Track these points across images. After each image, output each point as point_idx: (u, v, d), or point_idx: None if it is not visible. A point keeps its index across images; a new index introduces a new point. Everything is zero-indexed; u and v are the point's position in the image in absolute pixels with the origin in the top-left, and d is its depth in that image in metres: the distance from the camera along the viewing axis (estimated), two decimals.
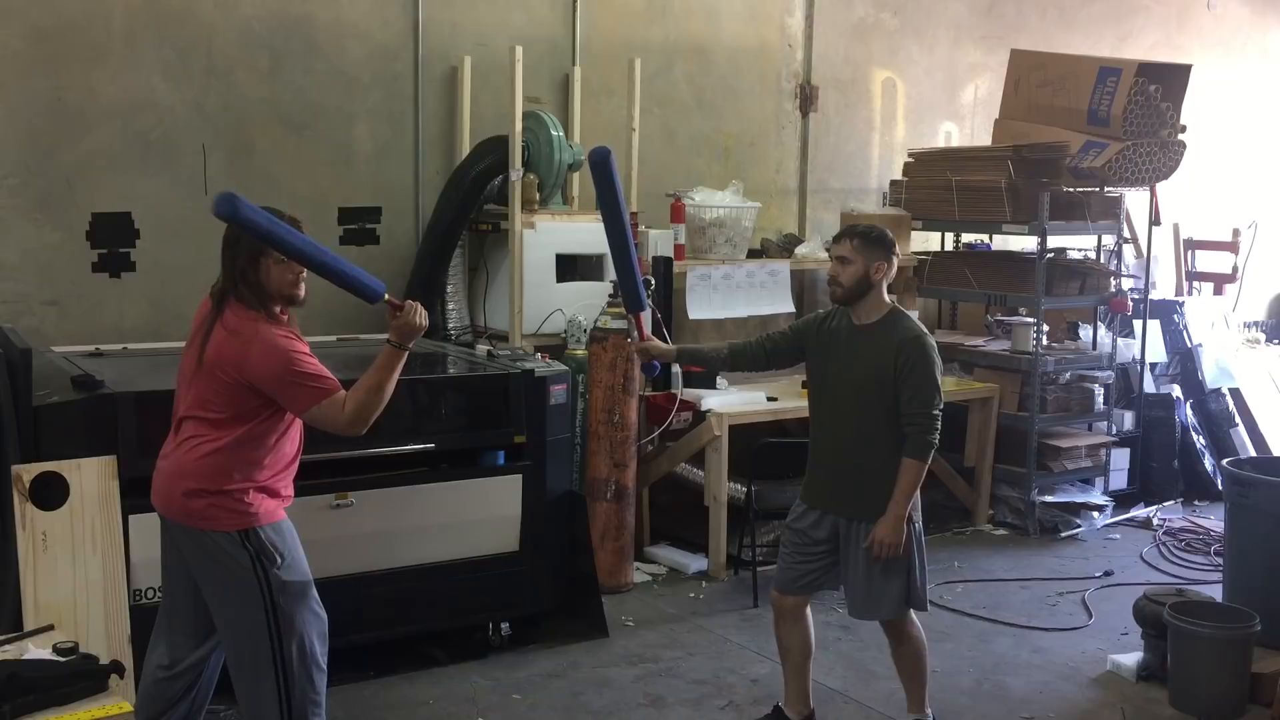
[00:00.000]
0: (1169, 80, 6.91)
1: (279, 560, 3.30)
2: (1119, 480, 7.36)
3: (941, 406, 3.93)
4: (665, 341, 5.25)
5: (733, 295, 6.39)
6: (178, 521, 3.34)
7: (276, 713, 3.33)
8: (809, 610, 4.15)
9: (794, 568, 4.10)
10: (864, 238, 3.97)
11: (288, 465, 3.43)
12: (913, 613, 4.07)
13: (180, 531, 3.35)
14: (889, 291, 4.07)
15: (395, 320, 3.35)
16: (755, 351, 4.28)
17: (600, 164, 4.03)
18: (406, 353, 3.37)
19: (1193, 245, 9.04)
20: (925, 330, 4.01)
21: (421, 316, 3.36)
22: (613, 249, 4.18)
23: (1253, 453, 7.60)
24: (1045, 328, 6.90)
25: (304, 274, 3.36)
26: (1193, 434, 7.73)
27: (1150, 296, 7.73)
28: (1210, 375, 7.99)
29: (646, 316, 4.38)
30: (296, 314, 3.47)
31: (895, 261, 4.01)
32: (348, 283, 3.32)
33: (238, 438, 3.27)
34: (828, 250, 6.79)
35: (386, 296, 3.38)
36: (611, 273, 5.92)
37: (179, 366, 3.44)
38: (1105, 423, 7.25)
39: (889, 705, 4.45)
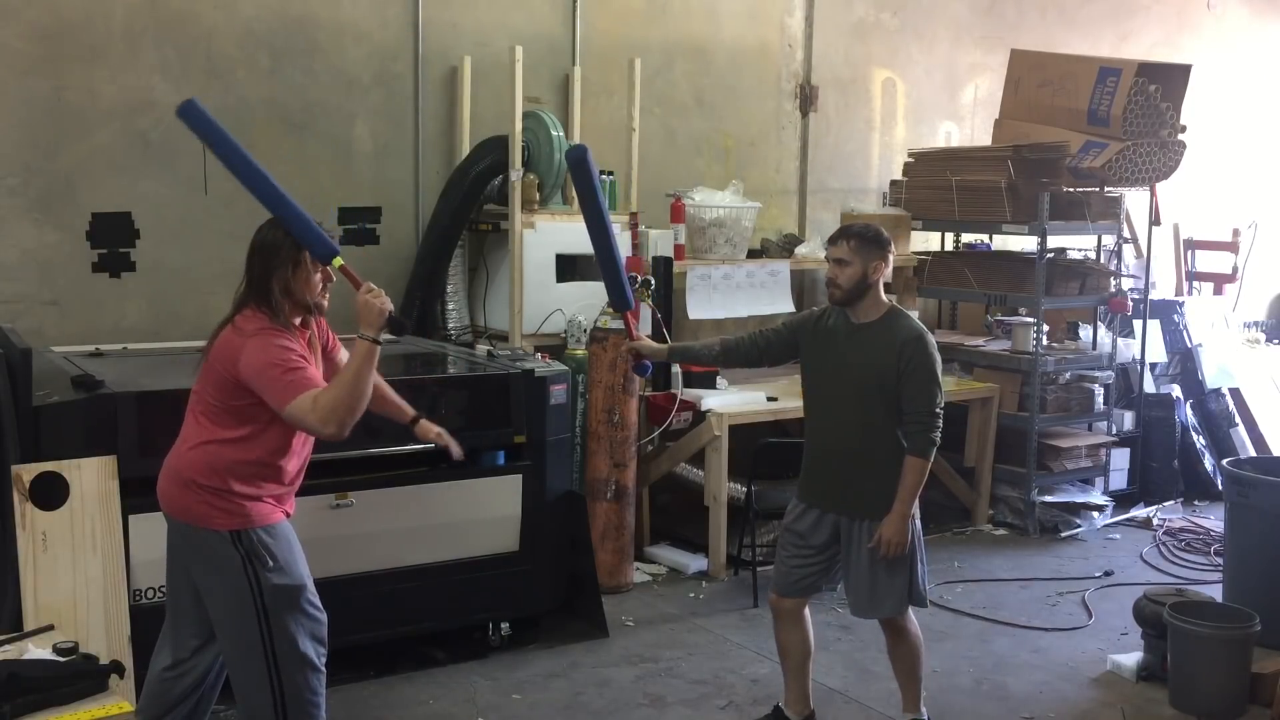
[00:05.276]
0: (1169, 80, 6.91)
1: (270, 563, 3.30)
2: (1119, 480, 7.36)
3: (943, 405, 3.93)
4: (665, 340, 5.26)
5: (733, 295, 6.38)
6: (175, 517, 3.35)
7: (271, 713, 3.33)
8: (807, 611, 4.16)
9: (792, 570, 4.10)
10: (860, 238, 3.97)
11: (290, 482, 3.43)
12: (911, 610, 4.07)
13: (176, 527, 3.37)
14: (887, 290, 4.07)
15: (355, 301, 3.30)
16: (748, 348, 4.27)
17: (578, 162, 4.00)
18: (377, 346, 3.24)
19: (1193, 245, 9.04)
20: (925, 329, 4.02)
21: (377, 298, 3.26)
22: (596, 248, 4.15)
23: (1253, 453, 7.60)
24: (1045, 328, 6.90)
25: (331, 282, 3.38)
26: (1193, 434, 7.73)
27: (1150, 296, 7.73)
28: (1210, 375, 7.99)
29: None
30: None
31: (891, 259, 4.02)
32: (296, 226, 3.29)
33: (233, 438, 3.27)
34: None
35: (342, 262, 3.33)
36: None
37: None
38: (1105, 423, 7.25)
39: (889, 705, 4.45)
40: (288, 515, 3.43)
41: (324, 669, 3.43)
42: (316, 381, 3.25)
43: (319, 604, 3.42)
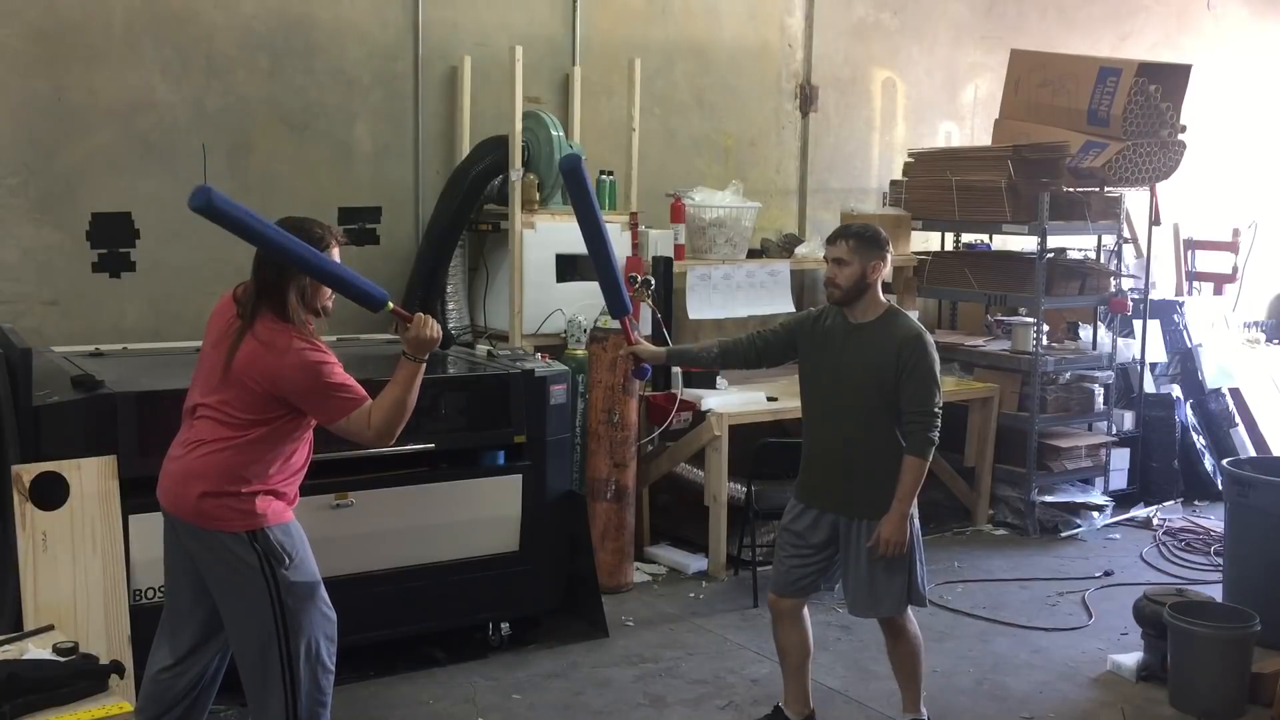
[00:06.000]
0: (1169, 80, 6.91)
1: (287, 560, 3.31)
2: (1119, 480, 7.36)
3: (941, 404, 3.94)
4: (665, 342, 5.26)
5: (733, 295, 6.38)
6: (186, 521, 3.34)
7: (282, 712, 3.33)
8: (806, 611, 4.16)
9: (791, 570, 4.10)
10: (859, 238, 3.98)
11: (297, 472, 3.44)
12: (910, 610, 4.08)
13: (188, 531, 3.35)
14: (887, 290, 4.07)
15: (405, 333, 3.36)
16: (746, 349, 4.28)
17: (571, 172, 4.01)
18: (423, 364, 3.37)
19: (1193, 245, 9.04)
20: (923, 328, 4.03)
21: (432, 329, 3.35)
22: (592, 255, 4.16)
23: (1253, 453, 7.60)
24: (1045, 328, 6.90)
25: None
26: (1193, 434, 7.73)
27: (1150, 296, 7.73)
28: (1210, 375, 7.99)
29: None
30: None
31: (890, 259, 4.02)
32: (345, 287, 3.32)
33: (252, 440, 3.28)
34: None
35: (391, 305, 3.37)
36: None
37: (198, 365, 3.43)
38: (1105, 423, 7.25)
39: (888, 705, 4.45)
40: (294, 503, 3.44)
41: (333, 669, 3.44)
42: (363, 394, 3.32)
43: (330, 602, 3.43)
